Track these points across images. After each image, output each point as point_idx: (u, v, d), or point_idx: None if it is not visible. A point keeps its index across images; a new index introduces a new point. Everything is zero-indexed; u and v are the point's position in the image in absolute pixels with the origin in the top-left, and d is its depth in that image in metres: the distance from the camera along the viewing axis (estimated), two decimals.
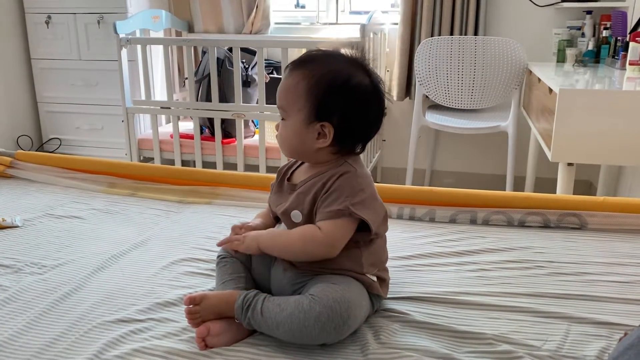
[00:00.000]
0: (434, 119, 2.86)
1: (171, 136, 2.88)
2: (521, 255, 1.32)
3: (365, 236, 1.03)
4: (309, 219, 1.03)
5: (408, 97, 3.18)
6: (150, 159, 2.97)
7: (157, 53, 3.08)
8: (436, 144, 3.31)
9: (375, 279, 1.06)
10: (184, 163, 2.99)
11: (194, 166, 2.91)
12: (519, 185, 2.93)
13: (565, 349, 0.97)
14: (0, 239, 1.39)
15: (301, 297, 0.95)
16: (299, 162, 1.13)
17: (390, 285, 1.14)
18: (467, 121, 2.81)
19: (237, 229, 1.11)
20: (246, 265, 1.12)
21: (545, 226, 1.49)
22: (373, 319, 1.06)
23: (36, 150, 3.23)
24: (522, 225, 1.50)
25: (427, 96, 2.82)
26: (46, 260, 1.28)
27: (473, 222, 1.53)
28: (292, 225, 1.06)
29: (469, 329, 1.02)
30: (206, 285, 1.17)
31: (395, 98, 3.14)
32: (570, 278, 1.22)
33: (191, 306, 0.98)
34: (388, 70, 3.21)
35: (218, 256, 1.16)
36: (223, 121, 2.81)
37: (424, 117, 2.86)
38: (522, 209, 1.52)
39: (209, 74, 2.76)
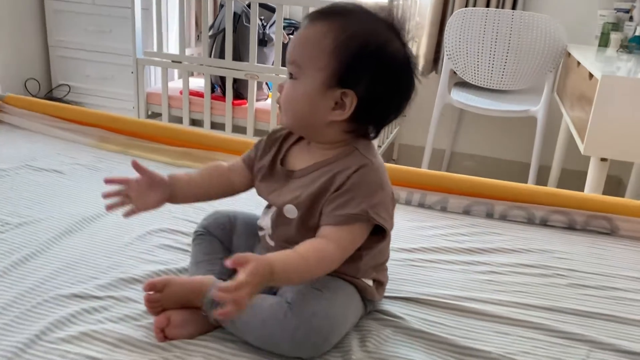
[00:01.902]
0: (460, 97, 2.67)
1: (181, 92, 2.73)
2: (540, 260, 1.17)
3: (374, 241, 0.87)
4: (307, 217, 0.85)
5: (435, 72, 2.99)
6: (158, 115, 2.84)
7: (174, 3, 2.91)
8: (459, 124, 3.12)
9: (371, 282, 0.91)
10: (193, 122, 2.85)
11: (203, 126, 2.77)
12: (542, 175, 2.75)
13: None
14: None
15: (277, 303, 0.80)
16: (295, 137, 0.94)
17: (389, 281, 1.00)
18: (494, 102, 2.62)
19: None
20: (225, 245, 0.99)
21: (570, 228, 1.33)
22: (363, 321, 0.92)
23: (44, 96, 3.12)
24: (544, 224, 1.34)
25: (454, 72, 2.63)
26: (12, 217, 1.16)
27: (489, 215, 1.37)
28: (284, 222, 0.88)
29: (471, 343, 0.88)
30: (181, 263, 1.04)
31: (421, 71, 2.95)
32: (594, 292, 1.06)
33: (152, 293, 0.85)
34: (416, 41, 3.00)
35: (195, 231, 1.03)
36: (235, 81, 2.65)
37: (448, 95, 2.67)
38: (545, 205, 1.36)
39: (224, 29, 2.59)
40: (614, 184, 2.83)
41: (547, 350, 0.88)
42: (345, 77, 0.81)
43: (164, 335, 0.83)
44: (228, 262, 0.69)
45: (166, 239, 1.13)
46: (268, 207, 0.94)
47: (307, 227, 0.85)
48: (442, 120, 2.82)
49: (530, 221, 1.35)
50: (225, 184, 0.97)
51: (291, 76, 0.86)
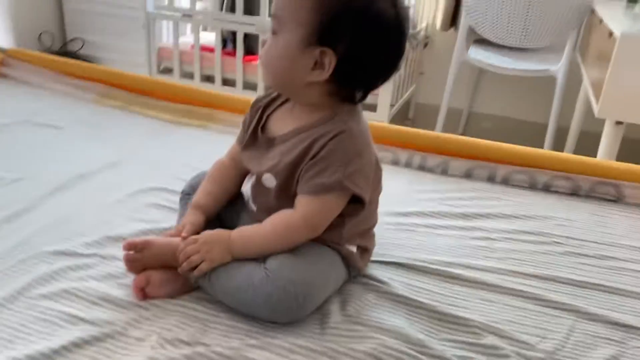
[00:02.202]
0: (478, 55, 2.58)
1: (192, 47, 2.70)
2: (538, 227, 1.14)
3: (354, 209, 0.85)
4: (285, 186, 0.84)
5: (454, 28, 2.88)
6: (170, 71, 2.82)
7: None
8: (477, 83, 3.03)
9: (355, 249, 0.89)
10: (204, 78, 2.83)
11: (214, 82, 2.74)
12: (561, 136, 2.67)
13: (564, 352, 0.81)
14: None
15: (254, 268, 0.80)
16: (280, 100, 0.91)
17: (376, 246, 0.98)
18: (513, 61, 2.53)
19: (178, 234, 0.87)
20: None
21: (574, 194, 1.28)
22: (346, 285, 0.91)
23: (58, 50, 3.11)
24: (547, 189, 1.30)
25: (473, 29, 2.53)
26: (6, 173, 1.17)
27: (491, 179, 1.33)
28: (262, 191, 0.87)
29: (454, 310, 0.87)
30: (170, 222, 1.04)
31: (438, 27, 2.85)
32: (590, 261, 1.03)
33: (131, 252, 0.84)
34: None
35: (182, 191, 1.02)
36: (246, 36, 2.60)
37: (467, 53, 2.59)
38: (550, 170, 1.31)
39: None
40: (633, 148, 2.73)
41: (532, 320, 0.87)
42: (325, 35, 0.78)
43: (143, 294, 0.84)
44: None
45: (157, 198, 1.13)
46: (252, 173, 0.92)
47: (286, 195, 0.84)
48: (460, 79, 2.74)
49: (532, 186, 1.30)
50: (237, 177, 0.95)
51: (274, 31, 0.82)
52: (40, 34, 3.11)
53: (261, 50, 0.85)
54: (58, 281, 0.86)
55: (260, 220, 0.85)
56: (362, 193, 0.81)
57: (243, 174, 0.95)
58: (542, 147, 2.55)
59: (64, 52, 3.09)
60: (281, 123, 0.88)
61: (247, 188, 0.90)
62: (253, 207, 0.90)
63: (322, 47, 0.78)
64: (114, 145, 1.35)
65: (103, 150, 1.32)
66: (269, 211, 0.85)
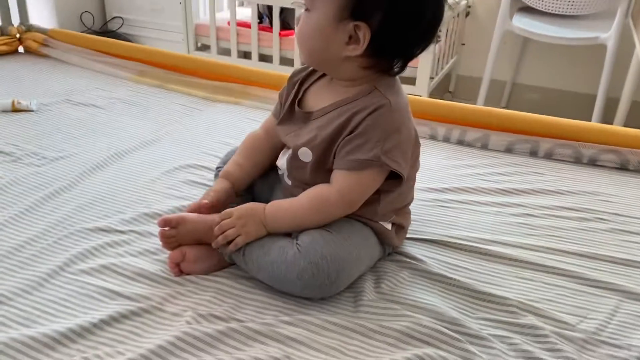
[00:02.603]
0: (522, 23, 2.48)
1: (229, 23, 2.69)
2: (582, 203, 1.09)
3: (392, 185, 0.83)
4: (322, 160, 0.82)
5: None
6: (207, 47, 2.83)
7: None
8: (522, 53, 2.91)
9: (389, 226, 0.88)
10: (241, 54, 2.82)
11: (251, 58, 2.73)
12: (611, 108, 2.55)
13: (606, 333, 0.78)
14: (11, 122, 1.33)
15: (287, 242, 0.79)
16: (317, 75, 0.89)
17: (413, 222, 0.97)
18: (561, 29, 2.42)
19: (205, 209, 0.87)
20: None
21: (623, 168, 1.23)
22: (381, 263, 0.90)
23: (99, 29, 3.17)
24: (593, 164, 1.25)
25: None
26: (48, 151, 1.20)
27: (533, 154, 1.29)
28: (298, 165, 0.85)
29: (490, 289, 0.85)
30: None
31: None
32: (636, 239, 0.99)
33: (167, 229, 0.85)
34: None
35: (217, 167, 1.03)
36: (282, 10, 2.57)
37: (510, 21, 2.49)
38: (596, 143, 1.25)
39: None
40: None
41: (572, 299, 0.84)
42: (357, 8, 0.75)
43: (179, 269, 0.85)
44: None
45: (192, 175, 1.14)
46: (287, 147, 0.91)
47: (322, 170, 0.83)
48: (503, 49, 2.65)
49: (577, 160, 1.25)
50: (270, 150, 0.95)
51: (306, 8, 0.80)
52: (82, 14, 3.17)
53: (296, 28, 0.83)
54: (97, 257, 0.88)
55: (294, 195, 0.85)
56: (400, 169, 0.80)
57: (276, 147, 0.94)
58: (590, 119, 2.45)
59: (104, 31, 3.14)
60: (318, 97, 0.87)
61: (282, 162, 0.90)
62: (288, 181, 0.89)
63: (356, 21, 0.76)
64: (151, 123, 1.37)
65: (140, 128, 1.34)
66: (304, 186, 0.85)
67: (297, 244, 0.79)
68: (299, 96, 0.89)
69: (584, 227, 1.02)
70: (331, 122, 0.82)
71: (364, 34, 0.76)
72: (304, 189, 0.84)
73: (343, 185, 0.80)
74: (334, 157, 0.81)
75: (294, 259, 0.77)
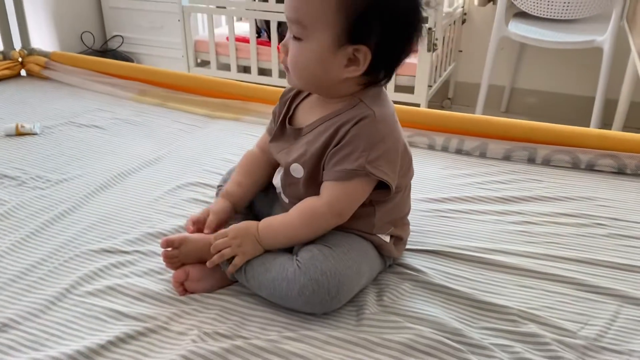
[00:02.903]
0: (518, 29, 2.50)
1: (227, 39, 2.72)
2: (580, 208, 1.11)
3: (382, 195, 0.84)
4: (313, 175, 0.84)
5: (492, 2, 2.80)
6: (207, 63, 2.85)
7: None
8: (519, 58, 2.93)
9: (388, 239, 0.89)
10: (241, 69, 2.85)
11: (251, 72, 2.76)
12: (610, 109, 2.56)
13: (607, 338, 0.79)
14: (15, 146, 1.35)
15: (287, 259, 0.81)
16: (307, 92, 0.91)
17: (413, 233, 0.98)
18: (557, 33, 2.43)
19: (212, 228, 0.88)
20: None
21: (621, 173, 1.24)
22: (382, 275, 0.91)
23: (100, 48, 3.20)
24: (590, 169, 1.26)
25: (512, 2, 2.45)
26: (52, 174, 1.22)
27: (531, 160, 1.30)
28: (291, 181, 0.87)
29: (491, 298, 0.86)
30: None
31: (476, 3, 2.77)
32: (636, 243, 1.00)
33: (169, 249, 0.87)
34: None
35: (218, 186, 1.04)
36: (280, 24, 2.60)
37: (506, 27, 2.51)
38: (593, 149, 1.27)
39: None
40: None
41: (573, 306, 0.85)
42: (355, 32, 0.77)
43: (183, 288, 0.86)
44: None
45: (195, 193, 1.15)
46: (280, 164, 0.92)
47: (314, 185, 0.84)
48: (501, 55, 2.67)
49: (575, 166, 1.27)
50: (267, 168, 0.96)
51: (295, 37, 0.79)
52: (82, 33, 3.20)
53: (282, 55, 0.83)
54: (103, 278, 0.90)
55: None
56: (386, 179, 0.80)
57: (273, 164, 0.95)
58: (589, 121, 2.46)
59: (105, 50, 3.18)
60: (308, 113, 0.88)
61: (277, 180, 0.91)
62: (285, 199, 0.91)
63: (355, 45, 0.77)
64: (152, 142, 1.39)
65: (142, 147, 1.36)
66: (299, 202, 0.86)
67: (297, 260, 0.80)
68: (290, 114, 0.91)
69: (582, 233, 1.03)
70: (319, 136, 0.83)
71: (365, 56, 0.78)
72: None
73: (331, 196, 0.81)
74: (324, 170, 0.83)
75: (294, 276, 0.78)
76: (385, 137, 0.80)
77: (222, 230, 0.84)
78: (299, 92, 0.92)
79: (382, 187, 0.83)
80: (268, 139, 0.95)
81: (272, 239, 0.83)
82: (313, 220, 0.82)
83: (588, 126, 2.40)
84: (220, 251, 0.83)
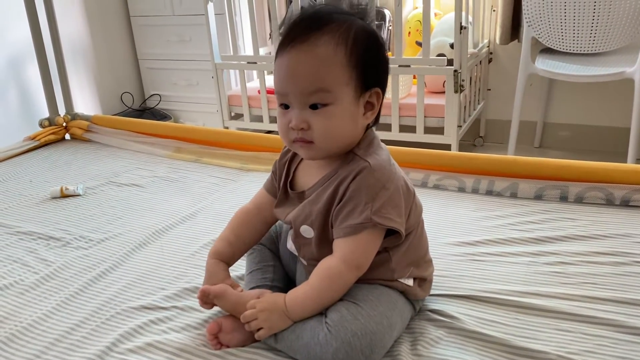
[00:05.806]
0: (545, 65, 2.50)
1: (259, 92, 2.81)
2: (617, 246, 1.08)
3: (394, 240, 0.85)
4: (323, 233, 0.85)
5: (516, 40, 2.82)
6: (240, 116, 2.95)
7: (246, 4, 2.98)
8: (550, 93, 2.92)
9: (411, 282, 0.89)
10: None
11: None
12: None
13: None
14: (60, 208, 1.42)
15: (317, 323, 0.81)
16: (299, 157, 0.92)
17: (445, 278, 0.98)
18: (585, 67, 2.42)
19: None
20: (275, 253, 1.01)
21: None
22: (415, 322, 0.91)
23: (139, 107, 3.35)
24: (625, 205, 1.23)
25: (537, 39, 2.46)
26: (95, 234, 1.27)
27: (563, 199, 1.29)
28: (304, 242, 0.89)
29: (528, 343, 0.84)
30: (240, 270, 1.09)
31: (498, 41, 2.79)
32: None
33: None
34: (494, 10, 2.85)
35: None
36: None
37: (533, 64, 2.51)
38: (627, 184, 1.25)
39: None
40: None
41: (612, 349, 0.82)
42: (368, 79, 0.82)
43: (217, 341, 0.88)
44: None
45: None
46: (290, 228, 0.93)
47: (327, 242, 0.85)
48: (530, 91, 2.67)
49: (609, 202, 1.25)
50: (260, 225, 0.98)
51: (317, 106, 0.79)
52: (122, 94, 3.36)
53: (302, 133, 0.80)
54: (143, 335, 0.92)
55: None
56: (394, 225, 0.81)
57: (267, 221, 0.98)
58: (626, 152, 2.41)
59: (144, 109, 3.32)
60: (307, 175, 0.90)
61: (290, 244, 0.93)
62: (303, 261, 0.93)
63: (370, 90, 0.83)
64: (188, 197, 1.44)
65: (179, 203, 1.41)
66: (315, 263, 0.86)
67: (326, 323, 0.80)
68: (290, 177, 0.93)
69: (620, 272, 1.00)
70: (321, 195, 0.85)
71: (377, 97, 0.84)
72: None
73: (345, 252, 0.82)
74: (332, 228, 0.84)
75: (325, 340, 0.78)
76: (386, 184, 0.82)
77: (253, 302, 0.85)
78: (294, 156, 0.94)
79: (392, 232, 0.84)
80: (265, 196, 0.97)
81: (300, 311, 0.83)
82: (333, 281, 0.82)
83: (626, 157, 2.36)
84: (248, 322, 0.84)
